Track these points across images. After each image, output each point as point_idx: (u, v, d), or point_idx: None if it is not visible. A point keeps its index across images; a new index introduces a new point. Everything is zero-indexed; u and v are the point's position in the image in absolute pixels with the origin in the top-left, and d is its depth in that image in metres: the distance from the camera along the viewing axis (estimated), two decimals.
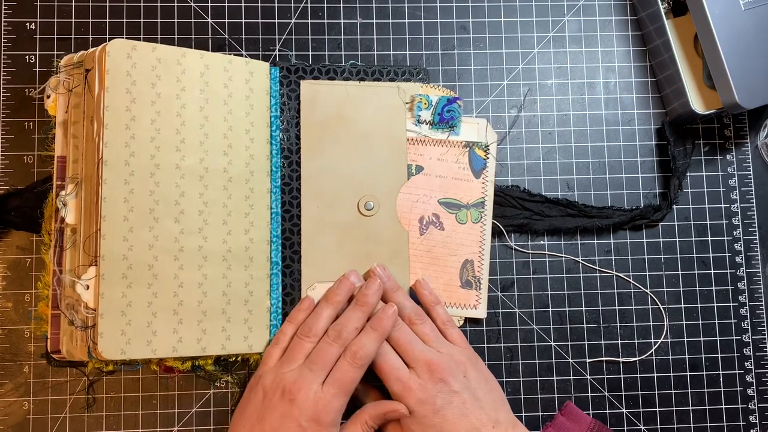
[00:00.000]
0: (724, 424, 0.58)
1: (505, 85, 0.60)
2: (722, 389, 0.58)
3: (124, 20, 0.58)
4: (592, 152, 0.60)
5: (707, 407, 0.58)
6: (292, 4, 0.59)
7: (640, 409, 0.57)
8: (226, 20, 0.59)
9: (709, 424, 0.58)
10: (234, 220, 0.53)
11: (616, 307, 0.58)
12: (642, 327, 0.58)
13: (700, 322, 0.59)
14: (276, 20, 0.59)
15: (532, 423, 0.57)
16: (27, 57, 0.57)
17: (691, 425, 0.57)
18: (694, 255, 0.59)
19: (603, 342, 0.58)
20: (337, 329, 0.49)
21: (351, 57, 0.59)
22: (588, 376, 0.58)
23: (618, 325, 0.58)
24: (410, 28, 0.60)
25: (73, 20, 0.58)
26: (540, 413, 0.57)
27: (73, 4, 0.58)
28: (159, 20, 0.58)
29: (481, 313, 0.57)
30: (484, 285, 0.57)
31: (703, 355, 0.58)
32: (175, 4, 0.58)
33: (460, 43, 0.60)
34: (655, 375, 0.58)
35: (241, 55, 0.58)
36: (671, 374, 0.58)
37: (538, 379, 0.57)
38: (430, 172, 0.57)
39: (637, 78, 0.61)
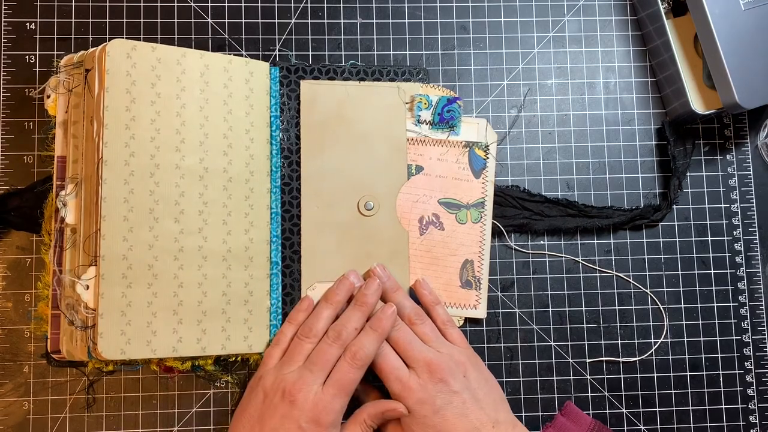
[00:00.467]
0: (724, 424, 0.58)
1: (505, 85, 0.60)
2: (722, 389, 0.58)
3: (124, 20, 0.58)
4: (592, 152, 0.60)
5: (707, 407, 0.58)
6: (292, 4, 0.59)
7: (640, 409, 0.57)
8: (226, 20, 0.59)
9: (709, 424, 0.58)
10: (234, 220, 0.53)
11: (616, 307, 0.58)
12: (642, 327, 0.58)
13: (700, 322, 0.59)
14: (276, 20, 0.59)
15: (532, 423, 0.57)
16: (27, 57, 0.57)
17: (691, 425, 0.57)
18: (694, 255, 0.59)
19: (603, 342, 0.58)
20: (337, 330, 0.49)
21: (351, 57, 0.59)
22: (588, 376, 0.58)
23: (618, 325, 0.58)
24: (410, 28, 0.60)
25: (73, 20, 0.58)
26: (540, 413, 0.57)
27: (73, 4, 0.58)
28: (159, 20, 0.58)
29: (481, 313, 0.57)
30: (484, 285, 0.57)
31: (703, 355, 0.58)
32: (175, 4, 0.58)
33: (460, 43, 0.60)
34: (655, 375, 0.58)
35: (241, 55, 0.58)
36: (671, 374, 0.58)
37: (538, 379, 0.57)
38: (430, 172, 0.57)
39: (637, 78, 0.61)
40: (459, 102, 0.57)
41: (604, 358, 0.58)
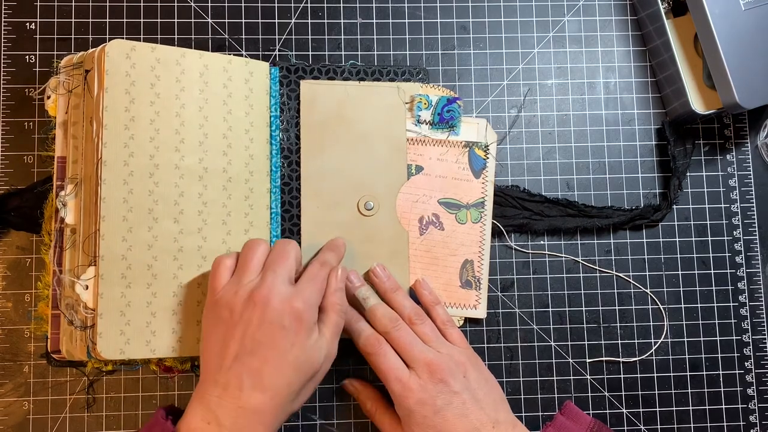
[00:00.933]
0: (724, 424, 0.58)
1: (505, 85, 0.60)
2: (722, 389, 0.58)
3: (124, 20, 0.58)
4: (592, 152, 0.60)
5: (707, 407, 0.58)
6: (292, 4, 0.59)
7: (640, 409, 0.57)
8: (226, 20, 0.59)
9: (709, 424, 0.57)
10: (233, 220, 0.53)
11: (616, 307, 0.58)
12: (642, 327, 0.58)
13: (700, 322, 0.59)
14: (276, 20, 0.59)
15: (532, 423, 0.57)
16: (27, 57, 0.57)
17: (691, 425, 0.57)
18: (694, 255, 0.59)
19: (603, 342, 0.58)
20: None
21: (351, 57, 0.59)
22: (588, 376, 0.57)
23: (618, 325, 0.58)
24: (410, 28, 0.60)
25: (73, 20, 0.58)
26: (540, 413, 0.57)
27: (73, 4, 0.58)
28: (159, 20, 0.58)
29: (481, 313, 0.57)
30: (484, 285, 0.57)
31: (703, 355, 0.58)
32: (175, 4, 0.58)
33: (460, 43, 0.60)
34: (655, 375, 0.58)
35: (241, 55, 0.58)
36: (671, 374, 0.58)
37: (538, 379, 0.57)
38: (430, 172, 0.57)
39: (637, 78, 0.61)
40: (459, 102, 0.57)
41: (604, 358, 0.58)
